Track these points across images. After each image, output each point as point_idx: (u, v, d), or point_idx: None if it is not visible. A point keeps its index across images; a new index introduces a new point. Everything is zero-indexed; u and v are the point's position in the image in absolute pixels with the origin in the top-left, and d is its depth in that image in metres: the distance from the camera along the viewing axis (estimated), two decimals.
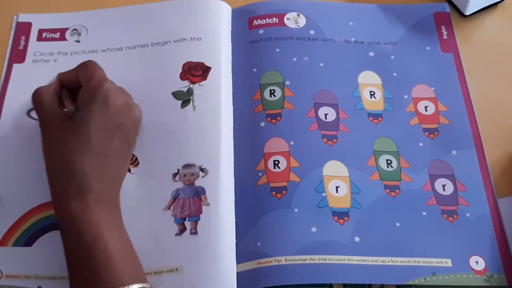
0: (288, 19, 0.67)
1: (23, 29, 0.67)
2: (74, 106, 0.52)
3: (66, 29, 0.67)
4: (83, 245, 0.45)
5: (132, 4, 0.68)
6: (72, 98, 0.54)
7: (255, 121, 0.60)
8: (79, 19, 0.67)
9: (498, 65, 0.66)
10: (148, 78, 0.62)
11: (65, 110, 0.52)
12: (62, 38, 0.66)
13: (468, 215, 0.56)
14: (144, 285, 0.45)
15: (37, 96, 0.53)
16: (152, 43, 0.65)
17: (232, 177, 0.57)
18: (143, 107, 0.60)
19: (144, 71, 0.63)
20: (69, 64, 0.63)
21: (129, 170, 0.57)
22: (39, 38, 0.66)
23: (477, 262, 0.53)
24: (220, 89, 0.61)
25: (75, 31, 0.66)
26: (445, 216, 0.55)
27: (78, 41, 0.66)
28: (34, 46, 0.65)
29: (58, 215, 0.48)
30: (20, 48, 0.65)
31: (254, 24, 0.67)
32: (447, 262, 0.53)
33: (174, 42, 0.64)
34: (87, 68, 0.53)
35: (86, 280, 0.44)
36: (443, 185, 0.57)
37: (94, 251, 0.45)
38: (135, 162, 0.58)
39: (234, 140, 0.59)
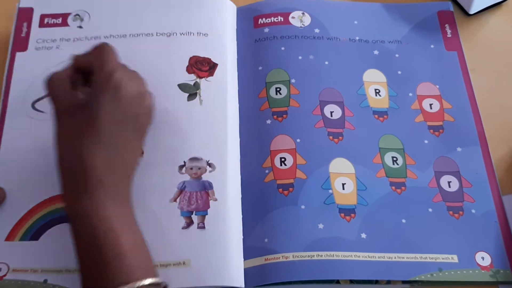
0: (293, 17, 0.67)
1: (25, 14, 0.66)
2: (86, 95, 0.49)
3: (68, 14, 0.66)
4: (93, 239, 0.45)
5: None
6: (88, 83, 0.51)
7: (261, 118, 0.60)
8: (82, 3, 0.67)
9: (502, 64, 0.66)
10: (153, 67, 0.62)
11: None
12: (64, 23, 0.66)
13: (473, 211, 0.56)
14: (156, 280, 0.45)
15: (50, 83, 0.51)
16: (157, 33, 0.65)
17: (239, 173, 0.58)
18: None
19: (148, 60, 0.62)
20: (72, 51, 0.62)
21: None
22: (41, 24, 0.65)
23: (483, 258, 0.54)
24: (226, 86, 0.61)
25: (77, 16, 0.66)
26: (450, 212, 0.56)
27: (80, 27, 0.65)
28: (36, 33, 0.65)
29: (68, 210, 0.47)
30: (22, 35, 0.65)
31: (259, 22, 0.67)
32: (453, 258, 0.53)
33: (180, 34, 0.64)
34: (99, 54, 0.50)
35: (96, 274, 0.44)
36: (449, 182, 0.58)
37: (105, 246, 0.44)
38: None
39: (240, 137, 0.60)
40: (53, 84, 0.51)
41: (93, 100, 0.49)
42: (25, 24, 0.65)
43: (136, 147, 0.52)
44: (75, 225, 0.47)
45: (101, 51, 0.51)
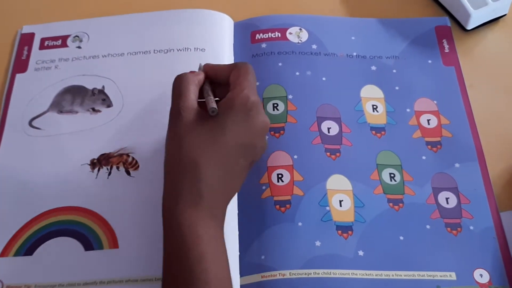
0: (290, 33, 0.67)
1: (26, 40, 0.67)
2: (216, 106, 0.49)
3: (68, 36, 0.67)
4: (184, 261, 0.43)
5: (134, 12, 0.69)
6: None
7: None
8: (82, 26, 0.68)
9: (499, 79, 0.66)
10: (151, 84, 0.63)
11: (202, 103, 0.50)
12: (64, 45, 0.67)
13: (471, 227, 0.56)
14: None
15: (179, 82, 0.51)
16: (154, 50, 0.65)
17: None
18: (145, 111, 0.60)
19: (146, 77, 0.63)
20: (70, 70, 0.64)
21: (129, 173, 0.57)
22: (42, 46, 0.67)
23: (481, 275, 0.53)
24: None
25: (77, 37, 0.67)
26: (448, 229, 0.55)
27: (79, 47, 0.66)
28: (36, 55, 0.66)
29: (167, 215, 0.46)
30: (23, 58, 0.66)
31: (256, 38, 0.67)
32: (452, 276, 0.53)
33: (178, 50, 0.65)
34: (241, 73, 0.51)
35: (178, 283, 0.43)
36: (447, 198, 0.57)
37: (193, 273, 0.43)
38: (135, 165, 0.58)
39: None
40: (181, 83, 0.50)
41: (224, 115, 0.48)
42: (26, 48, 0.67)
43: (243, 176, 0.51)
44: (169, 233, 0.45)
45: (243, 70, 0.51)
